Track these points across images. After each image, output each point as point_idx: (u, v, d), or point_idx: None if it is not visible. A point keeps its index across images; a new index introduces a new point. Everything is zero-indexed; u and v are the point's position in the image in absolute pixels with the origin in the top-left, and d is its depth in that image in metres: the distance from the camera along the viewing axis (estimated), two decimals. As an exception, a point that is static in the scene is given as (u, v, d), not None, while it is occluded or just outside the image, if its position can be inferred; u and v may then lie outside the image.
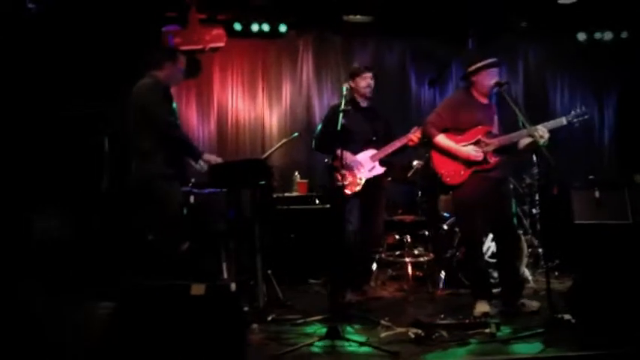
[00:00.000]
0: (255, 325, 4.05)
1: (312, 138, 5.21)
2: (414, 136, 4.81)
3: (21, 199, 5.02)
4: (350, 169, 4.84)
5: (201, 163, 4.44)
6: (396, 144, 4.91)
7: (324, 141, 4.99)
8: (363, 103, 5.00)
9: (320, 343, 3.65)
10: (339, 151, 4.61)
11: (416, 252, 5.74)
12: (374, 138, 4.98)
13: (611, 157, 7.69)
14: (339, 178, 4.47)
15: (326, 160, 4.81)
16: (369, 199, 4.93)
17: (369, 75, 4.95)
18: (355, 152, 4.91)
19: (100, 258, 4.89)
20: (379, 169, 4.96)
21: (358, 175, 4.87)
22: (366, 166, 4.91)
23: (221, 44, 6.38)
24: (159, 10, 6.22)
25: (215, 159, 4.52)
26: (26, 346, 2.88)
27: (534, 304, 4.37)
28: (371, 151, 4.96)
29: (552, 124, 4.24)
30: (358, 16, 7.11)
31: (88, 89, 5.69)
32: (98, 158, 5.28)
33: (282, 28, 7.00)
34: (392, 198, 6.42)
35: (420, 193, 5.90)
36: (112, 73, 5.76)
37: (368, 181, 4.89)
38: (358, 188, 4.85)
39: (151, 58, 4.39)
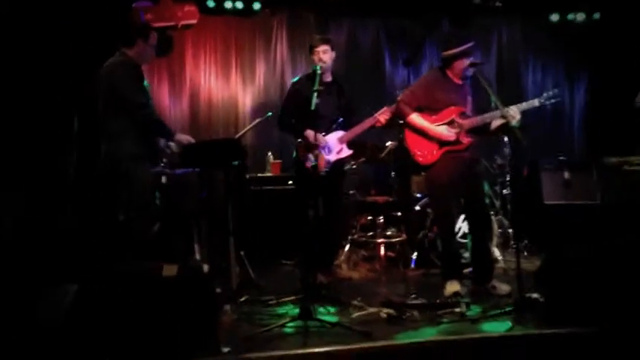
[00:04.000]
0: (227, 307, 4.05)
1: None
2: (381, 117, 4.65)
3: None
4: (319, 150, 4.62)
5: (172, 145, 4.38)
6: (364, 125, 4.72)
7: (287, 120, 4.82)
8: (327, 78, 4.72)
9: (292, 324, 3.66)
10: (309, 132, 4.58)
11: (388, 233, 5.78)
12: (340, 118, 4.80)
13: (580, 138, 7.81)
14: (311, 158, 4.42)
15: (299, 140, 4.71)
16: (335, 181, 4.79)
17: (321, 48, 4.69)
18: (322, 132, 4.65)
19: (71, 241, 4.83)
20: (347, 151, 4.80)
21: (327, 157, 4.69)
22: (334, 148, 4.76)
23: (193, 21, 6.31)
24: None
25: (188, 139, 4.46)
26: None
27: (505, 288, 4.42)
28: (339, 133, 4.79)
29: (525, 105, 4.27)
30: (333, -6, 7.05)
31: (57, 67, 5.55)
32: (67, 139, 5.19)
33: (256, 5, 6.91)
34: (365, 179, 6.46)
35: (392, 173, 5.91)
36: (83, 50, 5.63)
37: (334, 163, 4.74)
38: (326, 171, 4.68)
39: (123, 35, 4.29)
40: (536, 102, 4.31)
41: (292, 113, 4.79)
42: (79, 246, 4.55)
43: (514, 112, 4.19)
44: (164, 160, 4.80)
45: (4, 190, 4.77)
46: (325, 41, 4.75)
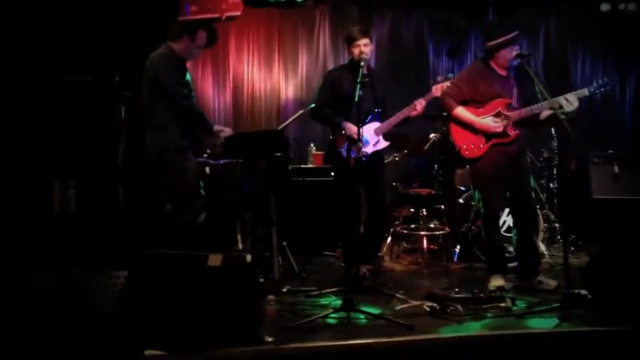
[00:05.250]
0: (271, 297, 4.07)
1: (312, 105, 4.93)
2: (419, 104, 4.58)
3: (40, 172, 5.05)
4: (356, 142, 4.48)
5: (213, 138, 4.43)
6: (400, 116, 4.66)
7: (322, 110, 4.76)
8: (364, 70, 4.58)
9: (335, 315, 3.66)
10: (347, 124, 4.55)
11: (431, 225, 5.73)
12: (377, 109, 4.75)
13: (631, 131, 7.57)
14: (354, 150, 4.39)
15: (342, 132, 4.69)
16: (374, 174, 4.75)
17: (362, 42, 4.62)
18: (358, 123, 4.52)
19: (117, 228, 4.93)
20: (383, 143, 4.75)
21: (363, 150, 4.60)
22: (371, 140, 4.70)
23: (237, 13, 6.34)
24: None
25: (227, 130, 4.50)
26: (45, 315, 2.92)
27: (552, 283, 4.33)
28: (375, 124, 4.73)
29: (574, 94, 4.16)
30: (376, -15, 7.00)
31: (106, 57, 5.66)
32: (115, 126, 5.28)
33: (299, -4, 6.90)
34: (408, 171, 6.41)
35: (436, 166, 5.85)
36: (131, 40, 5.71)
37: (372, 155, 4.69)
38: (363, 161, 4.58)
39: (171, 29, 4.35)
40: (585, 91, 4.19)
41: (328, 103, 4.76)
42: (129, 233, 4.65)
43: (571, 99, 4.08)
44: (207, 150, 4.85)
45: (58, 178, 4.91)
46: (366, 34, 4.71)
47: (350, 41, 4.70)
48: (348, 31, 4.97)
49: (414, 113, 4.63)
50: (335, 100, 4.70)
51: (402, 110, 4.67)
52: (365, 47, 4.63)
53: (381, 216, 4.91)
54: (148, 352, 2.94)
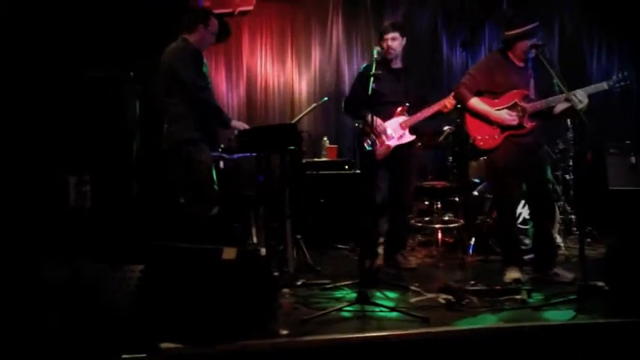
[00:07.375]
0: (285, 290, 4.08)
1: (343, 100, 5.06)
2: (448, 102, 4.59)
3: (55, 167, 5.10)
4: (379, 135, 4.68)
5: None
6: (428, 111, 4.68)
7: (352, 105, 4.84)
8: (396, 64, 4.78)
9: (349, 308, 3.65)
10: (369, 117, 4.55)
11: (446, 218, 5.71)
12: (406, 102, 4.77)
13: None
14: (369, 142, 4.41)
15: (357, 124, 4.71)
16: (399, 167, 4.78)
17: (389, 35, 4.68)
18: (386, 117, 4.71)
19: (131, 222, 4.96)
20: (409, 137, 4.76)
21: (387, 143, 4.69)
22: (395, 133, 4.73)
23: (250, 7, 6.37)
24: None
25: (243, 126, 4.52)
26: (61, 309, 2.95)
27: (568, 275, 4.29)
28: (401, 118, 4.75)
29: (593, 88, 4.11)
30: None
31: (120, 52, 5.68)
32: (129, 121, 5.31)
33: (312, -11, 6.89)
34: (422, 164, 6.38)
35: (450, 158, 5.82)
36: (145, 35, 5.73)
37: (397, 148, 4.73)
38: (387, 155, 4.69)
39: (184, 21, 4.37)
40: (604, 85, 4.14)
41: (357, 98, 4.77)
42: (144, 226, 4.67)
43: (581, 97, 4.04)
44: (222, 144, 4.87)
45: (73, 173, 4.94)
46: (394, 28, 4.72)
47: (380, 36, 4.74)
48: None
49: (445, 110, 4.65)
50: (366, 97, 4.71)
51: (432, 105, 4.68)
52: (392, 42, 4.68)
53: (398, 211, 4.89)
54: (163, 345, 2.95)
